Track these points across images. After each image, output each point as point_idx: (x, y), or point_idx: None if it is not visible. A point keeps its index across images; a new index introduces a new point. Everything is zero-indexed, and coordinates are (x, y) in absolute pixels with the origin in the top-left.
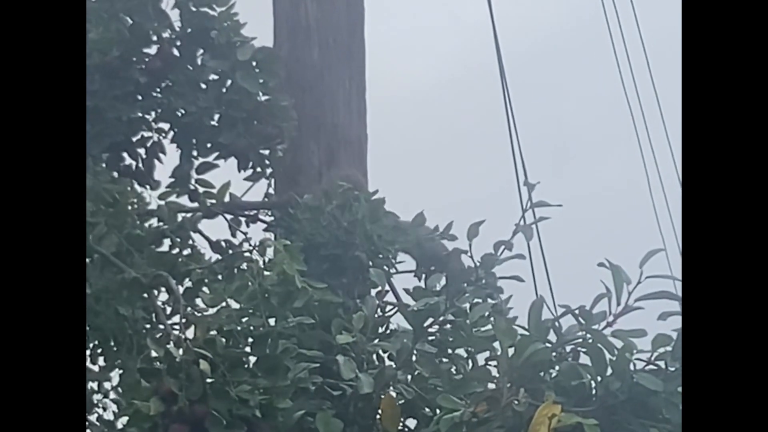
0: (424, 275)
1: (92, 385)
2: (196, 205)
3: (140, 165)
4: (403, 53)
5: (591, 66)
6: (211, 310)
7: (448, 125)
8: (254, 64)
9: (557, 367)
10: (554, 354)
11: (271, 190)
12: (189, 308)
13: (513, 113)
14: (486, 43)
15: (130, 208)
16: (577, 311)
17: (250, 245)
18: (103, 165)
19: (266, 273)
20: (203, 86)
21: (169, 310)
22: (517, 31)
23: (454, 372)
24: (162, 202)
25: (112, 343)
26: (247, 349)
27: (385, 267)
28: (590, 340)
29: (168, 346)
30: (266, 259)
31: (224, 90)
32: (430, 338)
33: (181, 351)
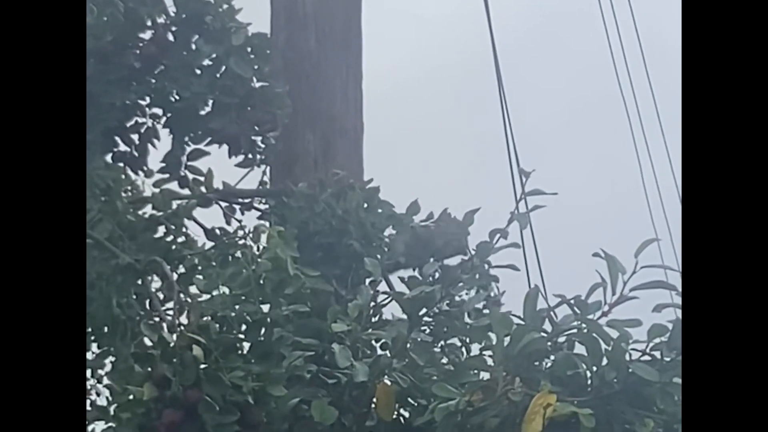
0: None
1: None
2: (189, 192)
3: (134, 151)
4: (399, 42)
5: (584, 52)
6: (205, 296)
7: (442, 114)
8: (249, 49)
9: (552, 357)
10: (549, 344)
11: (265, 179)
12: (182, 294)
13: (506, 102)
14: (481, 31)
15: (123, 195)
16: (572, 301)
17: (245, 232)
18: (97, 151)
19: (260, 260)
20: (197, 71)
21: (162, 296)
22: (512, 18)
23: (449, 361)
24: (156, 190)
25: (106, 330)
26: (241, 335)
27: (378, 256)
28: (585, 330)
29: (161, 331)
30: (260, 246)
31: (218, 75)
32: (425, 327)
33: (174, 337)
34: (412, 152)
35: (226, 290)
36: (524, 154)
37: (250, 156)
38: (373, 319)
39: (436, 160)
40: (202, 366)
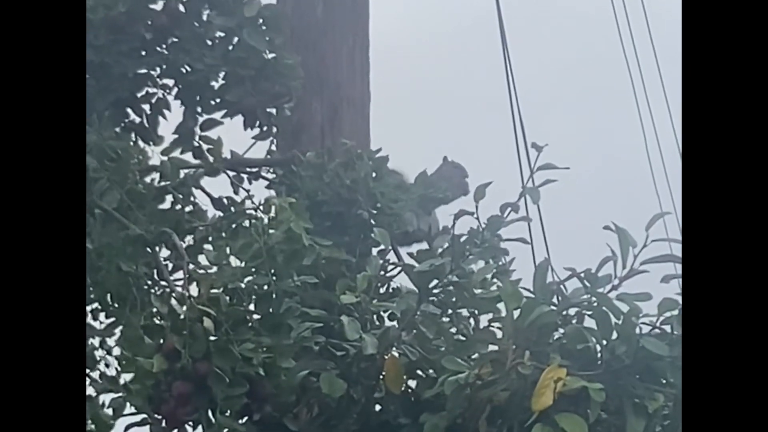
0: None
1: (93, 341)
2: (198, 161)
3: (144, 121)
4: (406, 9)
5: (590, 21)
6: (215, 268)
7: (447, 80)
8: (261, 21)
9: (562, 331)
10: (559, 317)
11: (273, 147)
12: (192, 266)
13: (512, 69)
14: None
15: (132, 163)
16: (582, 274)
17: (253, 202)
18: (108, 121)
19: (271, 231)
20: (209, 43)
21: (171, 266)
22: None
23: (457, 331)
24: (165, 158)
25: (115, 300)
26: (251, 307)
27: (387, 225)
28: (595, 304)
29: (171, 303)
30: (271, 217)
31: (231, 47)
32: (434, 299)
33: (184, 308)
34: (419, 120)
35: (237, 262)
36: (529, 121)
37: (265, 128)
38: (382, 290)
39: (442, 127)
40: (212, 338)
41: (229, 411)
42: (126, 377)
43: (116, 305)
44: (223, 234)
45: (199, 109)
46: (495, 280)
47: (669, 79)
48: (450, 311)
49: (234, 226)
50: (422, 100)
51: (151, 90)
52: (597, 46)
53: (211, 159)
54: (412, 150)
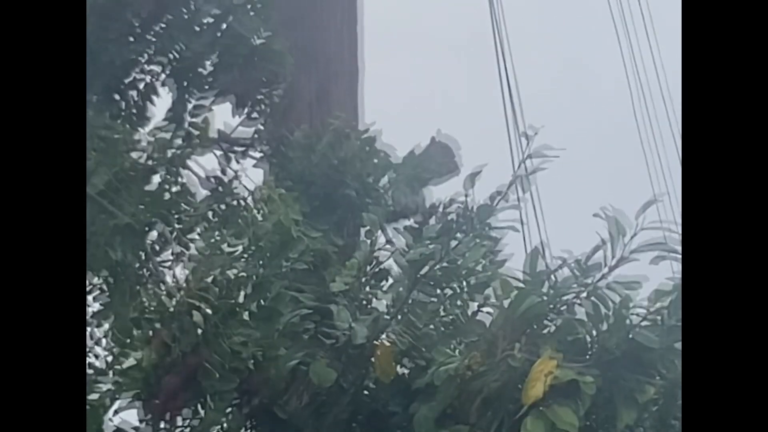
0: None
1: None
2: (183, 142)
3: (133, 107)
4: None
5: None
6: (205, 258)
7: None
8: (249, 7)
9: (554, 321)
10: (550, 306)
11: (260, 126)
12: (182, 256)
13: (502, 45)
14: None
15: (120, 145)
16: (572, 264)
17: (240, 182)
18: (97, 108)
19: (261, 221)
20: (197, 29)
21: (161, 256)
22: None
23: (448, 321)
24: (151, 138)
25: (103, 283)
26: (241, 299)
27: (375, 206)
28: (585, 295)
29: (161, 296)
30: (260, 208)
31: (219, 34)
32: (424, 286)
33: (174, 301)
34: (410, 95)
35: (227, 250)
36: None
37: (255, 115)
38: (372, 273)
39: (433, 102)
40: (202, 331)
41: (218, 405)
42: (115, 368)
43: (106, 293)
44: (214, 219)
45: (187, 95)
46: (484, 266)
47: (667, 60)
48: (439, 292)
49: (224, 208)
50: (414, 75)
51: (139, 76)
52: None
53: (198, 140)
54: (403, 124)
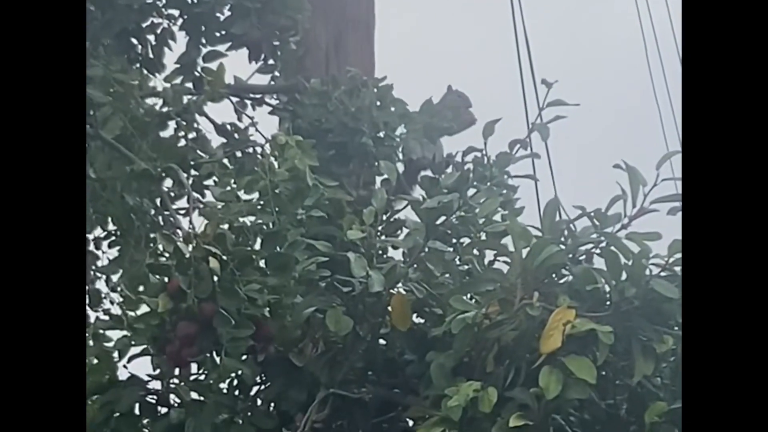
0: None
1: (97, 275)
2: (198, 89)
3: (149, 52)
4: None
5: None
6: (221, 204)
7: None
8: None
9: (571, 271)
10: (569, 256)
11: (276, 73)
12: (198, 202)
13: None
14: None
15: (135, 91)
16: (591, 213)
17: (257, 129)
18: (114, 53)
19: (277, 169)
20: None
21: (177, 203)
22: None
23: (465, 271)
24: (167, 85)
25: (118, 229)
26: (257, 246)
27: (391, 154)
28: (604, 244)
29: (177, 242)
30: (276, 155)
31: None
32: (441, 235)
33: (190, 248)
34: (424, 48)
35: (243, 197)
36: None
37: (271, 62)
38: (388, 223)
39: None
40: (218, 278)
41: (234, 352)
42: (130, 316)
43: (122, 241)
44: (229, 166)
45: (203, 41)
46: (502, 216)
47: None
48: (455, 242)
49: (239, 156)
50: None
51: (156, 21)
52: None
53: (213, 87)
54: (416, 78)
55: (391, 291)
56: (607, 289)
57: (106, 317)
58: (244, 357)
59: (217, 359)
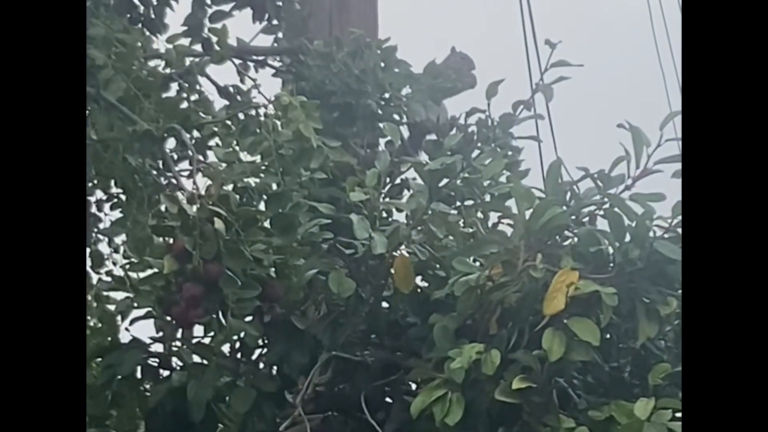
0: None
1: (99, 237)
2: (203, 50)
3: (151, 12)
4: None
5: None
6: (224, 165)
7: None
8: None
9: (575, 232)
10: (572, 218)
11: (280, 35)
12: (202, 163)
13: None
14: None
15: (137, 51)
16: (595, 174)
17: (260, 92)
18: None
19: (281, 129)
20: None
21: (181, 164)
22: None
23: (468, 233)
24: (170, 46)
25: (120, 189)
26: (262, 207)
27: (395, 116)
28: (608, 205)
29: (181, 203)
30: (280, 115)
31: None
32: (444, 197)
33: (194, 209)
34: (427, 9)
35: (247, 159)
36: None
37: (275, 22)
38: (392, 185)
39: (451, 16)
40: (222, 240)
41: (240, 313)
42: (133, 277)
43: (124, 201)
44: (233, 128)
45: (208, 1)
46: (506, 178)
47: None
48: (459, 204)
49: (242, 118)
50: None
51: None
52: None
53: (217, 48)
54: (419, 39)
55: (394, 253)
56: (611, 250)
57: (109, 278)
58: (248, 318)
59: (223, 320)
